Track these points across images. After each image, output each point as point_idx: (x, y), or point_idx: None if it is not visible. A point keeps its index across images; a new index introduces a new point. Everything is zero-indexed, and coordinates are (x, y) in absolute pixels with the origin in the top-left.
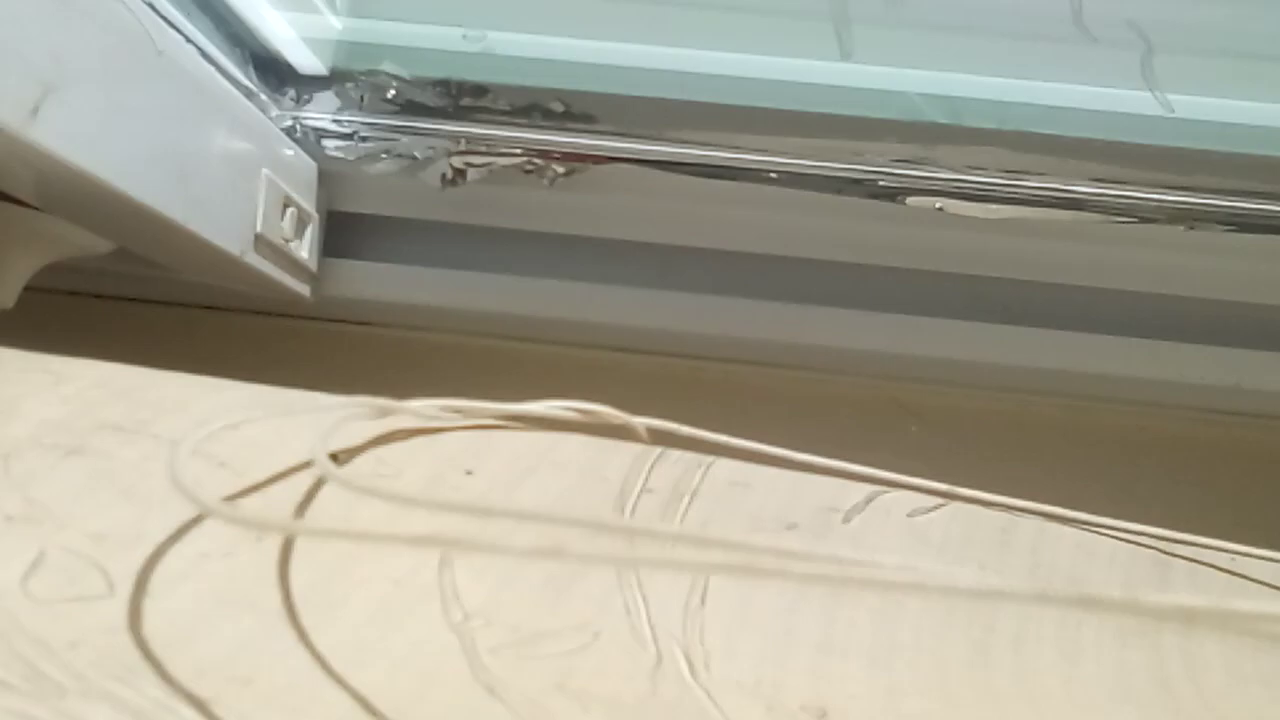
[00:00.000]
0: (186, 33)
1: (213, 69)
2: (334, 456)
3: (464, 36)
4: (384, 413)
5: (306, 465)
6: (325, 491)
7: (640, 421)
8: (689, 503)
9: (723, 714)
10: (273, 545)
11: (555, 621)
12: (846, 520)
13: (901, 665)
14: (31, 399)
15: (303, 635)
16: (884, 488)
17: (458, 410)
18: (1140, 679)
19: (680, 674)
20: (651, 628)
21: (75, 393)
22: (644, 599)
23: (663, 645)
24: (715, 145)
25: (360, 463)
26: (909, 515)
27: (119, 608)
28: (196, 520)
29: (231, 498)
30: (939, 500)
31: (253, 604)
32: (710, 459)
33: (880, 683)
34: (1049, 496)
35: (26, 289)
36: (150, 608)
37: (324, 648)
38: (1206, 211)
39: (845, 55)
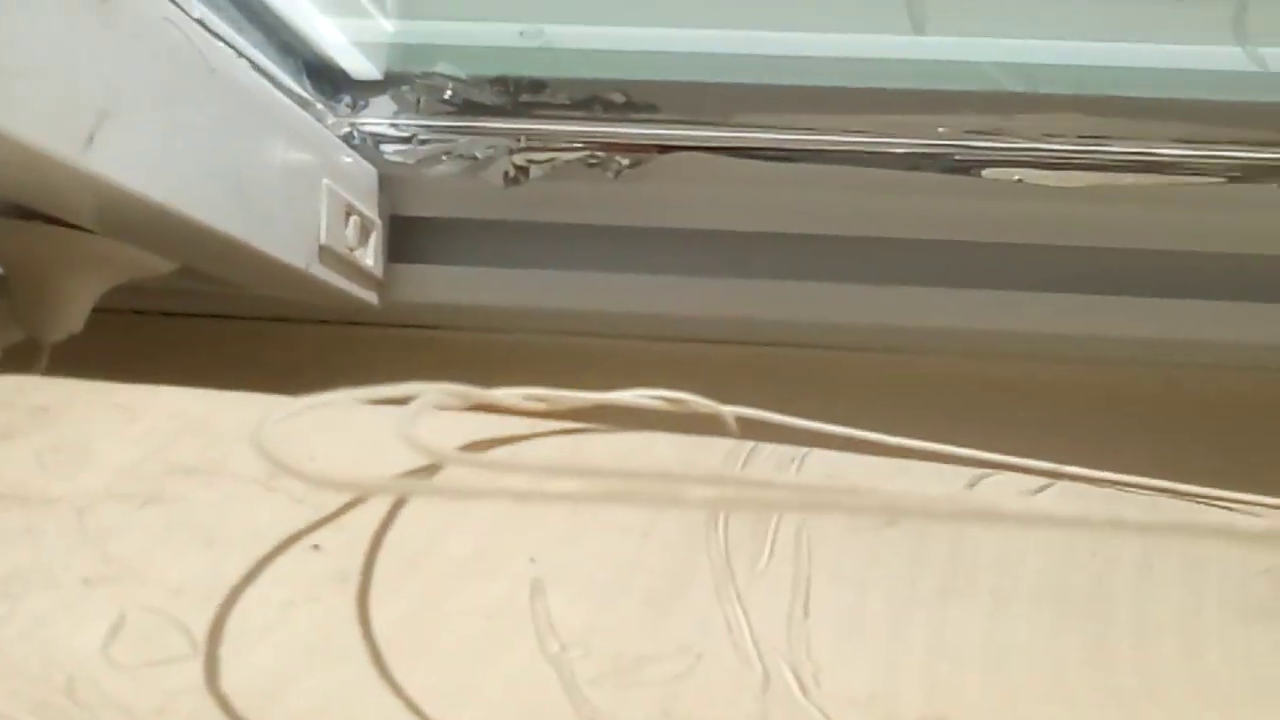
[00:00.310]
0: (238, 46)
1: (266, 81)
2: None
3: (521, 34)
4: (466, 400)
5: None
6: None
7: (729, 411)
8: None
9: None
10: (357, 586)
11: (656, 645)
12: None
13: (1018, 667)
14: (104, 441)
15: (395, 681)
16: (987, 470)
17: (541, 399)
18: (1270, 666)
19: (789, 692)
20: (755, 644)
21: (147, 430)
22: (745, 613)
23: (769, 662)
24: (783, 128)
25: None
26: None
27: (202, 667)
28: (275, 559)
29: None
30: (1045, 481)
31: (340, 650)
32: (804, 451)
33: (998, 687)
34: (1157, 470)
35: (94, 310)
36: (234, 663)
37: (417, 692)
38: None
39: (917, 28)
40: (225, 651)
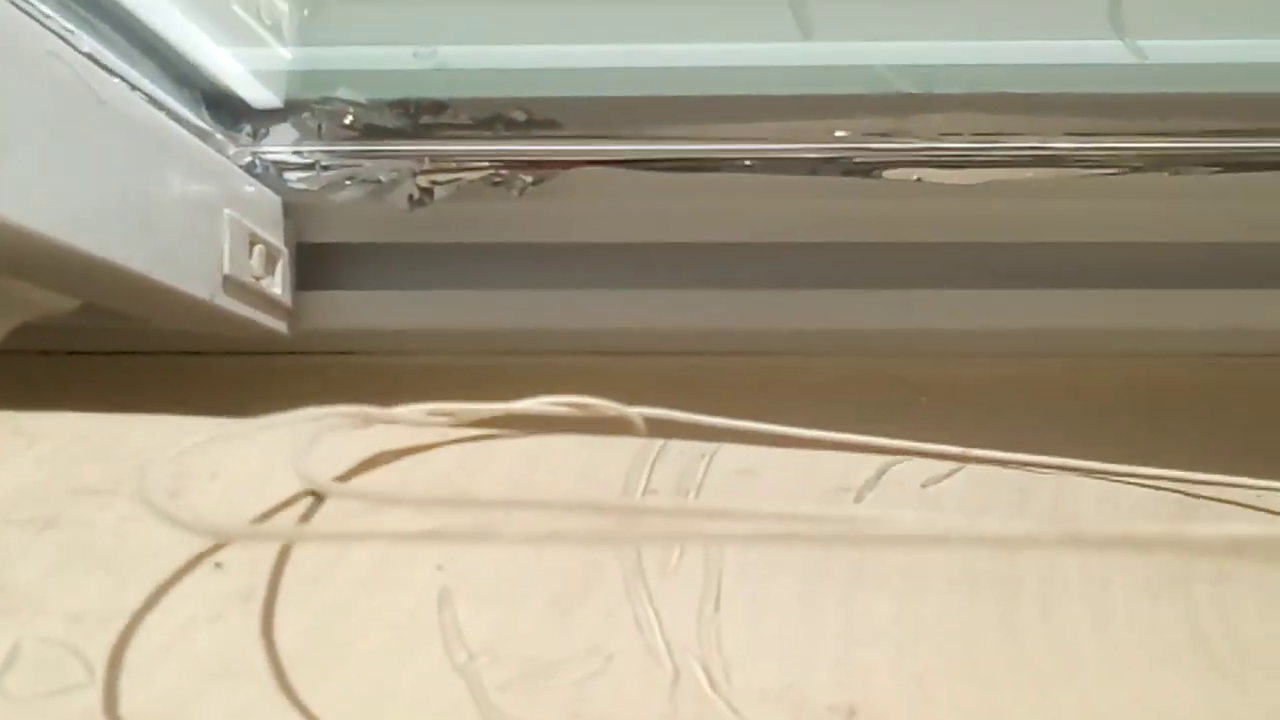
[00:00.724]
0: (131, 80)
1: (162, 113)
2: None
3: (414, 55)
4: (368, 421)
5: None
6: (314, 517)
7: (636, 412)
8: (694, 497)
9: None
10: (261, 602)
11: (565, 648)
12: (859, 499)
13: (929, 649)
14: (3, 466)
15: (299, 699)
16: (895, 458)
17: (446, 414)
18: (1174, 635)
19: (700, 688)
20: (666, 642)
21: (50, 452)
22: (655, 612)
23: (679, 659)
24: (683, 139)
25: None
26: (923, 485)
27: (100, 695)
28: (178, 580)
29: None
30: (953, 465)
31: (243, 670)
32: (714, 447)
33: (909, 670)
34: (1064, 456)
35: None
36: (133, 690)
37: (323, 708)
38: (1189, 155)
39: (805, 34)
40: (124, 678)
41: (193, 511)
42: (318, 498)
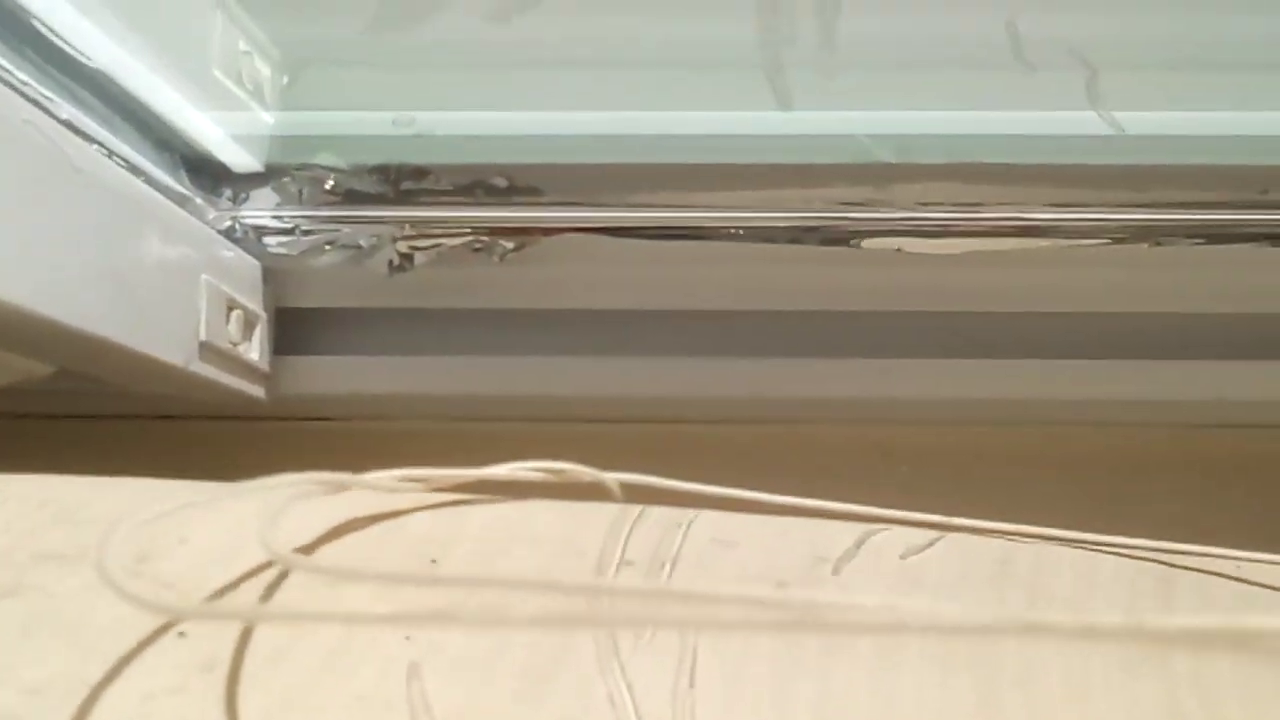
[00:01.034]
0: (109, 145)
1: (139, 179)
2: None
3: (393, 122)
4: (338, 488)
5: (260, 556)
6: (280, 587)
7: (612, 477)
8: (670, 570)
9: None
10: (225, 673)
11: None
12: (836, 571)
13: None
14: None
15: None
16: (875, 527)
17: (418, 479)
18: (1153, 713)
19: None
20: (640, 719)
21: (15, 516)
22: (628, 688)
23: None
24: (664, 206)
25: (316, 558)
26: (901, 557)
27: None
28: (140, 651)
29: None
30: (933, 535)
31: None
32: (692, 514)
33: None
34: (1044, 524)
35: None
36: None
37: None
38: (1169, 226)
39: (784, 104)
40: None
41: (154, 582)
42: (284, 569)
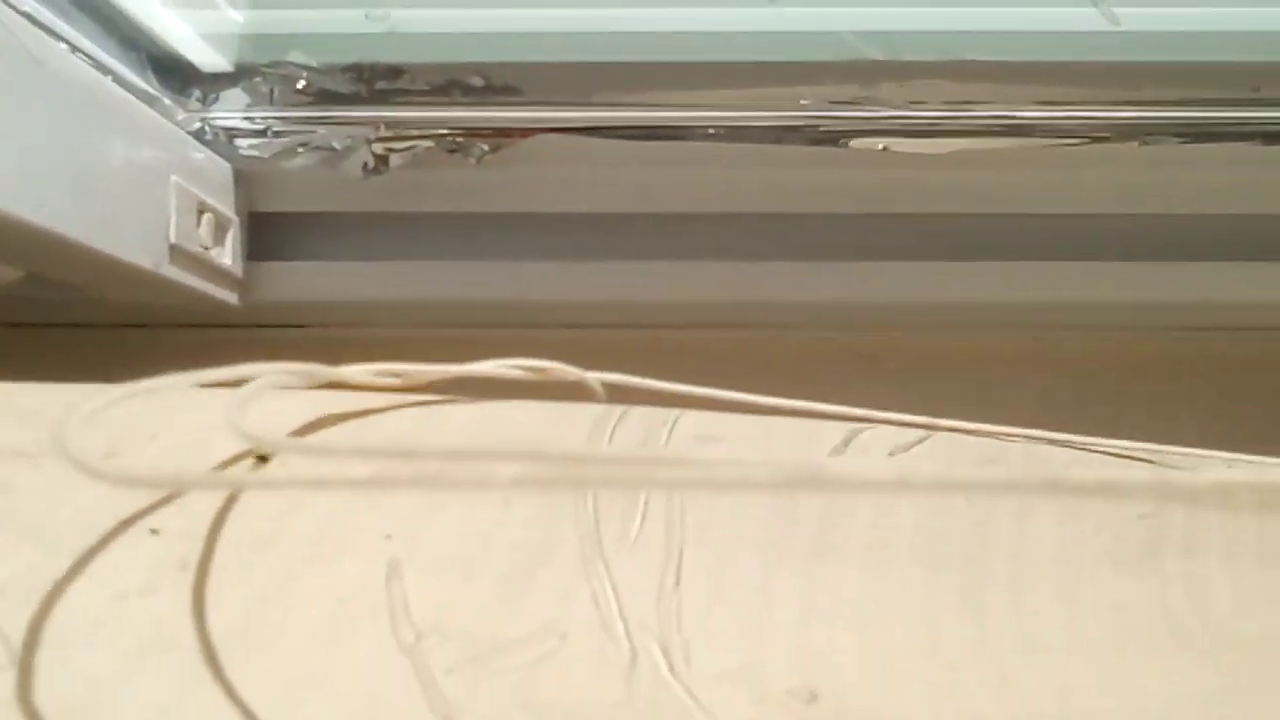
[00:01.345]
0: (72, 40)
1: (105, 76)
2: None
3: (366, 17)
4: (312, 380)
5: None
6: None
7: (595, 376)
8: None
9: (706, 713)
10: (197, 571)
11: (518, 625)
12: None
13: (892, 626)
14: None
15: (232, 678)
16: (861, 427)
17: (396, 374)
18: (1143, 614)
19: (657, 671)
20: (624, 620)
21: None
22: (613, 587)
23: (636, 640)
24: (645, 105)
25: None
26: (890, 453)
27: (14, 675)
28: (107, 547)
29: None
30: (920, 434)
31: (175, 646)
32: (676, 413)
33: (871, 649)
34: (1033, 428)
35: None
36: (54, 670)
37: (258, 689)
38: (1160, 125)
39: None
40: (44, 657)
41: (123, 476)
42: (261, 459)
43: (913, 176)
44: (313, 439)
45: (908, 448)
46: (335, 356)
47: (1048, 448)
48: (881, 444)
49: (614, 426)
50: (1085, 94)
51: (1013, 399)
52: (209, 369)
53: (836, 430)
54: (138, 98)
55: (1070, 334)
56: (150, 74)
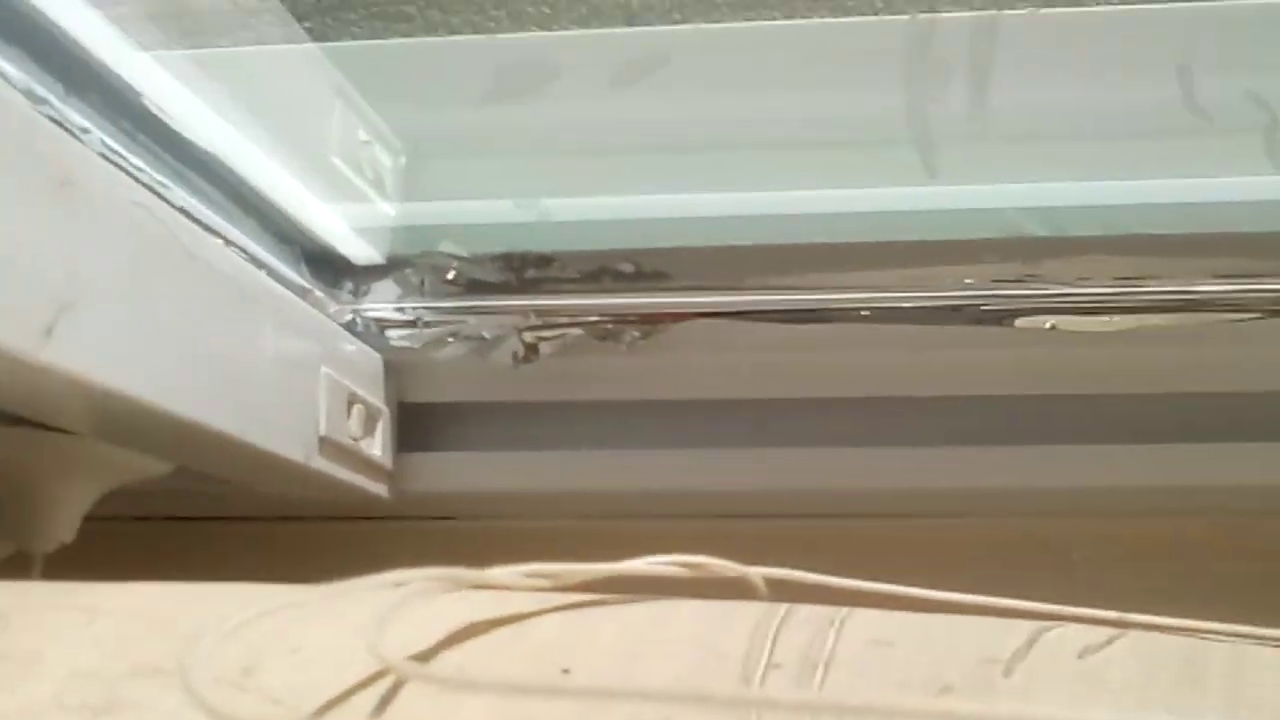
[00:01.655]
0: (227, 235)
1: (258, 269)
2: None
3: (516, 206)
4: (457, 585)
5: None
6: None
7: (757, 572)
8: (824, 673)
9: None
10: None
11: None
12: (1008, 673)
13: None
14: (58, 645)
15: None
16: (1047, 625)
17: (546, 576)
18: None
19: None
20: None
21: (110, 629)
22: None
23: None
24: (800, 288)
25: (434, 665)
26: (1080, 656)
27: None
28: None
29: None
30: (1112, 633)
31: None
32: (845, 612)
33: None
34: (1233, 621)
35: (90, 518)
36: None
37: None
38: None
39: (931, 176)
40: None
41: (260, 695)
42: (398, 679)
43: (1084, 355)
44: (452, 659)
45: (1100, 647)
46: (485, 549)
47: (1256, 650)
48: (1071, 642)
49: (777, 627)
50: (1261, 265)
51: (1211, 588)
52: (352, 577)
53: (1020, 629)
54: (291, 290)
55: (1268, 520)
56: (304, 267)
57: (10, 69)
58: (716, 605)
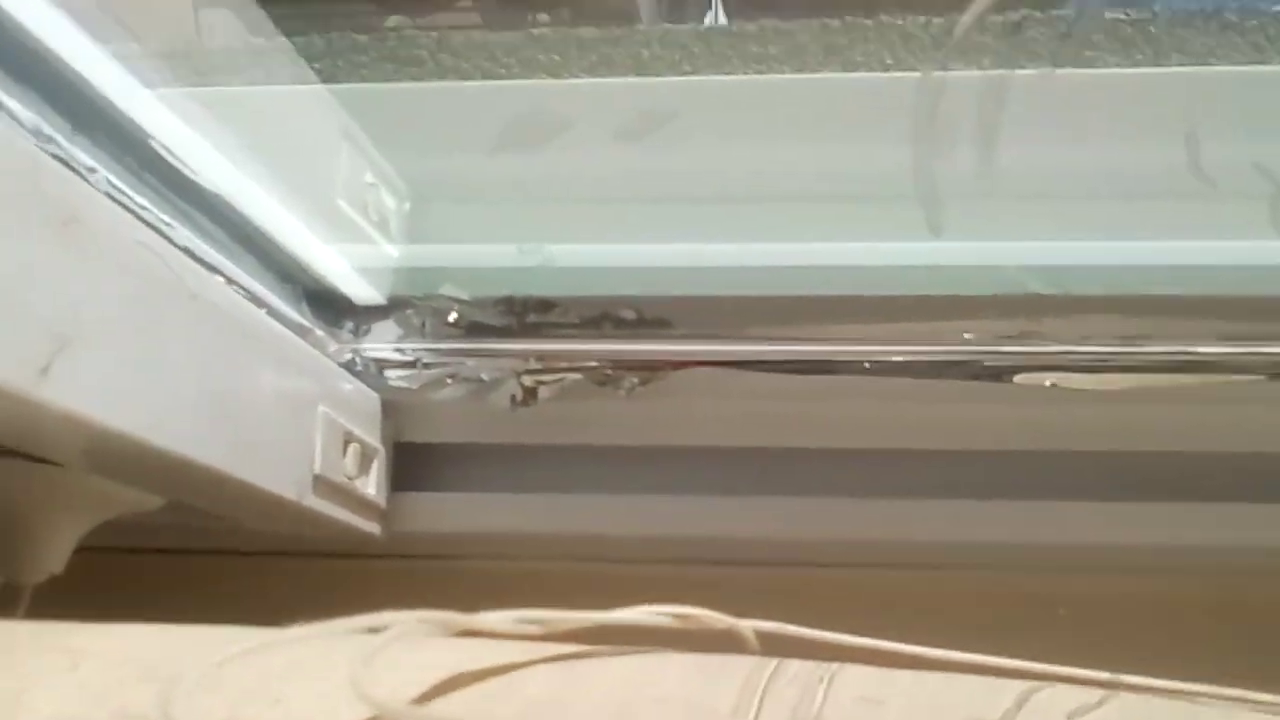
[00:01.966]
0: (230, 274)
1: (260, 309)
2: None
3: (519, 251)
4: (447, 629)
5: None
6: None
7: (747, 625)
8: None
9: None
10: None
11: None
12: None
13: None
14: (42, 689)
15: None
16: (1037, 685)
17: (536, 622)
18: None
19: None
20: None
21: (93, 674)
22: None
23: None
24: (801, 339)
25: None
26: (1069, 718)
27: None
28: None
29: None
30: (1103, 694)
31: None
32: (834, 667)
33: None
34: (1223, 684)
35: (81, 550)
36: None
37: None
38: None
39: (935, 232)
40: None
41: None
42: None
43: (1082, 413)
44: (441, 709)
45: (1090, 709)
46: (478, 589)
47: (1247, 716)
48: (1060, 704)
49: (766, 683)
50: (1262, 329)
51: (1203, 649)
52: (351, 613)
53: (1009, 688)
54: (291, 329)
55: (1261, 580)
56: (305, 306)
57: (18, 107)
58: (706, 659)
